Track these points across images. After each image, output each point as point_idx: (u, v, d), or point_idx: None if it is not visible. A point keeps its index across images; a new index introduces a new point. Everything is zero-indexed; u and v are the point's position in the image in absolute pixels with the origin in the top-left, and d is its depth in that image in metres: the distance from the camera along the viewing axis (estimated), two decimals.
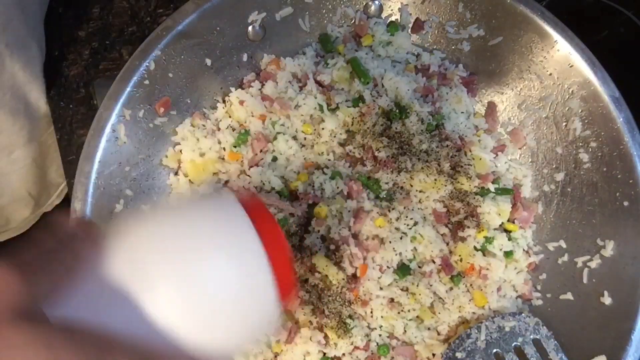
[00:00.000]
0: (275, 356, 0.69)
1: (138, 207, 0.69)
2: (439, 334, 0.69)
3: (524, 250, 0.72)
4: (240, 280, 0.39)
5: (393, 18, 0.79)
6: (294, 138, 0.73)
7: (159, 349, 0.36)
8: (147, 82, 0.67)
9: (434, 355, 0.69)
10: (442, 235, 0.71)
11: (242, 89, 0.76)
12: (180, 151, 0.72)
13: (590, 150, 0.70)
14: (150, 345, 0.36)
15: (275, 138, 0.73)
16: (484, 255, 0.70)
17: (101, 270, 0.37)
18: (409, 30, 0.79)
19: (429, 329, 0.69)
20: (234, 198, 0.43)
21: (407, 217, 0.69)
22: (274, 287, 0.40)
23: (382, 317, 0.68)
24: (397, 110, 0.73)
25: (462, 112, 0.76)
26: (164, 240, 0.39)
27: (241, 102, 0.73)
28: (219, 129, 0.74)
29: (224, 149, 0.72)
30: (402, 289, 0.68)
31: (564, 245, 0.71)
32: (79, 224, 0.41)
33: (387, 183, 0.71)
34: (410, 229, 0.68)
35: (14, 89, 0.72)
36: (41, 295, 0.34)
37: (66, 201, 0.96)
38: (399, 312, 0.68)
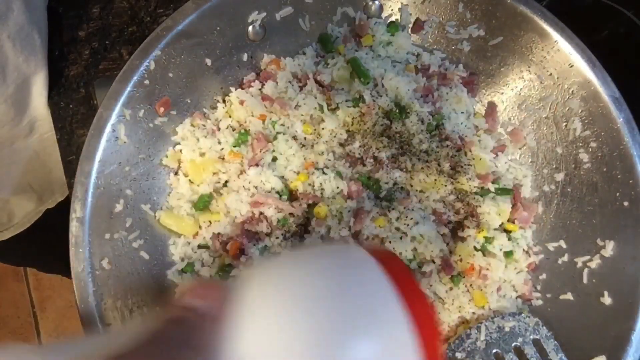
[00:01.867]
0: None
1: (138, 207, 0.69)
2: None
3: (524, 250, 0.72)
4: (385, 348, 0.35)
5: (393, 18, 0.79)
6: (294, 138, 0.73)
7: None
8: (147, 82, 0.67)
9: None
10: (442, 235, 0.71)
11: (242, 89, 0.76)
12: (180, 151, 0.72)
13: (590, 150, 0.70)
14: None
15: (275, 138, 0.73)
16: (484, 255, 0.70)
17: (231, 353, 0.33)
18: (409, 30, 0.79)
19: None
20: (366, 255, 0.38)
21: (407, 217, 0.69)
22: (420, 353, 0.35)
23: None
24: (397, 110, 0.73)
25: (462, 112, 0.76)
26: (296, 315, 0.34)
27: (241, 102, 0.73)
28: (219, 129, 0.74)
29: (224, 148, 0.72)
30: None
31: (564, 245, 0.71)
32: (200, 291, 0.37)
33: (387, 183, 0.71)
34: (410, 229, 0.68)
35: (17, 81, 0.71)
36: None
37: (66, 199, 0.96)
38: None
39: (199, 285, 0.38)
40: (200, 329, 0.34)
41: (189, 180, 0.72)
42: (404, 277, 0.36)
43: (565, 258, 0.70)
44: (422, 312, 0.35)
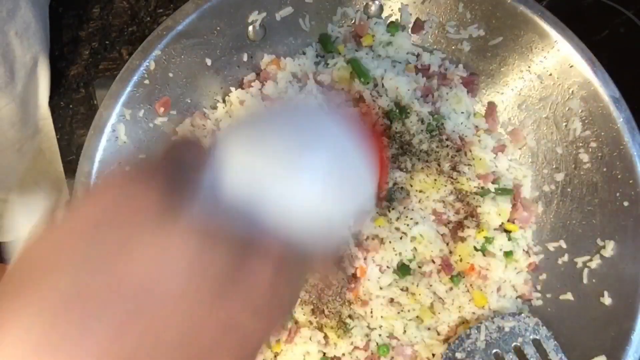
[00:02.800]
0: (275, 356, 0.69)
1: None
2: (438, 334, 0.69)
3: (524, 250, 0.72)
4: (343, 165, 0.41)
5: (393, 18, 0.79)
6: None
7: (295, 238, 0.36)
8: (147, 82, 0.68)
9: (433, 355, 0.69)
10: (442, 235, 0.71)
11: (242, 89, 0.76)
12: None
13: (590, 150, 0.70)
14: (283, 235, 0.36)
15: None
16: (484, 255, 0.70)
17: (218, 178, 0.38)
18: (409, 30, 0.79)
19: (428, 329, 0.69)
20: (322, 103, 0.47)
21: (407, 217, 0.69)
22: (370, 165, 0.42)
23: (382, 317, 0.68)
24: (397, 110, 0.73)
25: (462, 112, 0.76)
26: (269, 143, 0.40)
27: (241, 102, 0.73)
28: (219, 129, 0.74)
29: None
30: (402, 289, 0.69)
31: (564, 245, 0.71)
32: (185, 144, 0.41)
33: (387, 183, 0.71)
34: (410, 229, 0.68)
35: (24, 80, 0.71)
36: (177, 203, 0.33)
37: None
38: (398, 312, 0.68)
39: (189, 137, 0.41)
40: (195, 166, 0.37)
41: None
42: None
43: (565, 258, 0.70)
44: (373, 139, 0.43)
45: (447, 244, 0.71)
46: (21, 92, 0.72)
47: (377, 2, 0.78)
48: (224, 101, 0.76)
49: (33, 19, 0.69)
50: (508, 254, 0.71)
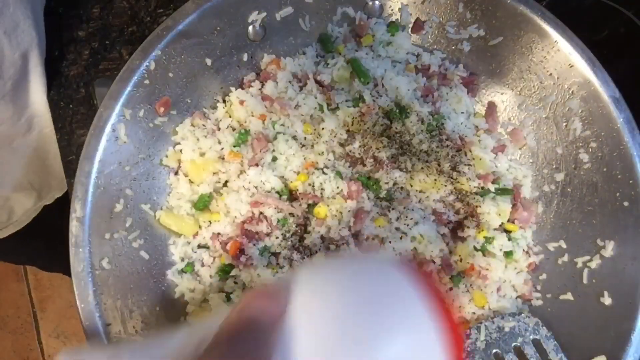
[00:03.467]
0: None
1: (138, 207, 0.69)
2: None
3: (524, 250, 0.72)
4: (415, 348, 0.41)
5: (393, 18, 0.79)
6: (294, 138, 0.73)
7: None
8: (147, 81, 0.67)
9: None
10: (442, 235, 0.71)
11: (242, 88, 0.76)
12: (181, 151, 0.72)
13: (590, 150, 0.70)
14: None
15: (275, 138, 0.73)
16: (484, 255, 0.70)
17: (288, 347, 0.40)
18: (409, 30, 0.79)
19: None
20: (401, 271, 0.45)
21: (407, 217, 0.69)
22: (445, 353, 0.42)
23: None
24: (397, 110, 0.73)
25: (462, 112, 0.76)
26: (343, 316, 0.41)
27: (241, 102, 0.73)
28: (219, 129, 0.74)
29: (224, 148, 0.72)
30: None
31: (564, 246, 0.71)
32: (265, 297, 0.43)
33: (387, 183, 0.71)
34: (410, 229, 0.68)
35: (14, 78, 0.71)
36: None
37: (66, 197, 0.96)
38: None
39: (266, 290, 0.43)
40: (268, 329, 0.39)
41: (189, 180, 0.72)
42: (433, 289, 0.43)
43: (565, 258, 0.70)
44: (448, 320, 0.42)
45: (447, 244, 0.70)
46: (11, 90, 0.72)
47: (377, 2, 0.78)
48: (224, 101, 0.76)
49: (22, 17, 0.69)
50: (508, 254, 0.71)
